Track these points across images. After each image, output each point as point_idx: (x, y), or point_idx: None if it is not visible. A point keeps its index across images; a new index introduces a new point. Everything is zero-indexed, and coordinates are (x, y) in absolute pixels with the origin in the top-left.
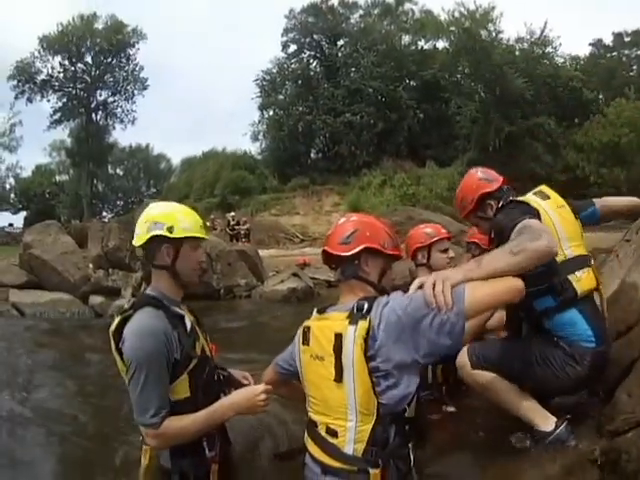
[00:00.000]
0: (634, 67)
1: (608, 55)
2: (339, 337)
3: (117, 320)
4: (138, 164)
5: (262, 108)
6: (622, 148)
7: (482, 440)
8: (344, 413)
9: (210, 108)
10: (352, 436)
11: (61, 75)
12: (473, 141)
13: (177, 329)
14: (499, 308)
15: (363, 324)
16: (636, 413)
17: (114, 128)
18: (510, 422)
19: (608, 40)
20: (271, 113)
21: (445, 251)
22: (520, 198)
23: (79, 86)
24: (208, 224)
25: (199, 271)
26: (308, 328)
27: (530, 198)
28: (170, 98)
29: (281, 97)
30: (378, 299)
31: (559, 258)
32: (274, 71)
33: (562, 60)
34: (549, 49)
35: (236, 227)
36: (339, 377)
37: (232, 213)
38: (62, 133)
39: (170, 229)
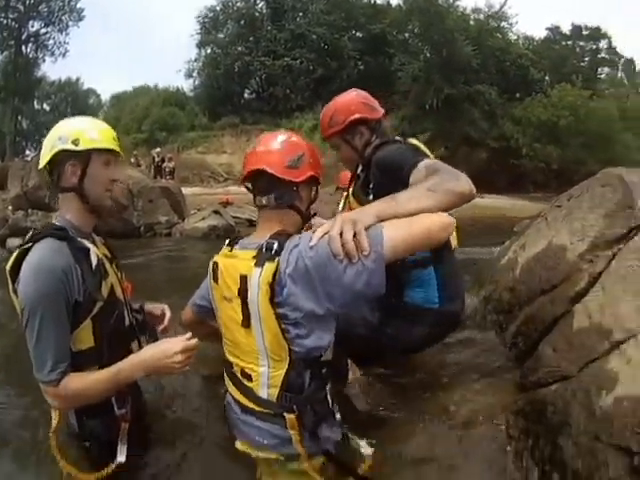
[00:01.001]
0: (586, 59)
1: (563, 43)
2: (244, 279)
3: (14, 255)
4: (66, 98)
5: (200, 45)
6: (559, 129)
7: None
8: (256, 358)
9: (147, 44)
10: (265, 381)
11: None
12: (411, 98)
13: (81, 265)
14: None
15: (270, 267)
16: (562, 367)
17: (44, 61)
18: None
19: (566, 29)
20: (209, 51)
21: None
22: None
23: (11, 16)
24: (132, 160)
25: (110, 191)
26: (216, 264)
27: (415, 142)
28: (105, 30)
29: (221, 36)
30: (291, 238)
31: None
32: (218, 9)
33: (515, 37)
34: (504, 24)
35: (160, 164)
36: (247, 322)
37: (157, 149)
38: None
39: (75, 142)
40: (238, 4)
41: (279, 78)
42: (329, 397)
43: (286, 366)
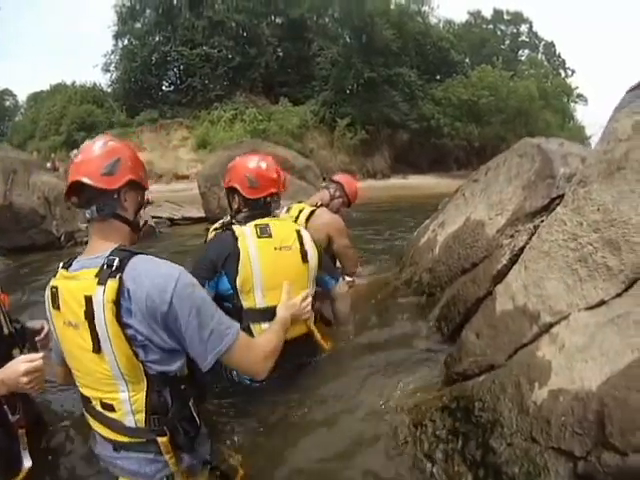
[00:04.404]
0: (507, 42)
1: (484, 26)
2: (90, 300)
3: None
4: None
5: (117, 37)
6: (480, 108)
7: None
8: (113, 385)
9: (64, 39)
10: (129, 408)
11: None
12: (331, 83)
13: None
14: None
15: (112, 284)
16: (487, 355)
17: None
18: None
19: (488, 14)
20: (126, 42)
21: None
22: (235, 227)
23: None
24: (48, 165)
25: None
26: (56, 289)
27: (242, 231)
28: (19, 27)
29: (138, 26)
30: (136, 257)
31: (248, 303)
32: None
33: (436, 21)
34: (425, 8)
35: None
36: (97, 347)
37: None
38: None
39: None
40: None
41: (197, 68)
42: (194, 413)
43: (145, 387)
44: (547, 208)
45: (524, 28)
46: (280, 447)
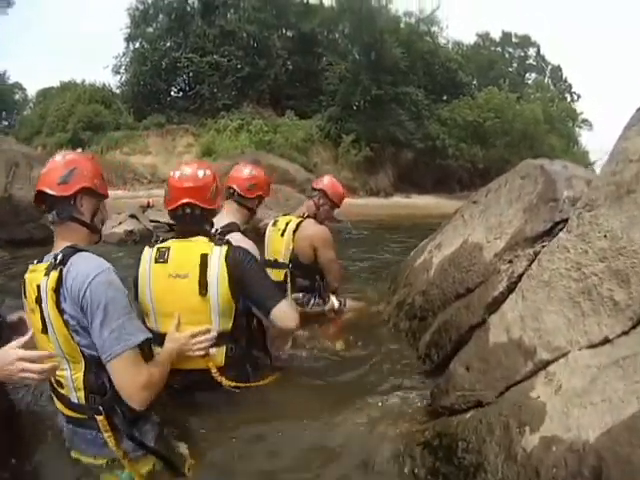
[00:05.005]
0: (514, 65)
1: (492, 49)
2: (39, 289)
3: None
4: None
5: (129, 40)
6: (485, 129)
7: None
8: (60, 363)
9: (77, 37)
10: (72, 385)
11: None
12: (338, 98)
13: None
14: None
15: (54, 275)
16: (476, 391)
17: None
18: None
19: (497, 36)
20: (137, 46)
21: None
22: (145, 249)
23: None
24: None
25: None
26: (24, 280)
27: (144, 254)
28: (34, 21)
29: (150, 30)
30: (78, 253)
31: (149, 325)
32: (149, 1)
33: (445, 42)
34: (435, 28)
35: None
36: (44, 329)
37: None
38: None
39: None
40: None
41: (206, 76)
42: None
43: (83, 368)
44: (549, 233)
45: (532, 51)
46: (240, 449)
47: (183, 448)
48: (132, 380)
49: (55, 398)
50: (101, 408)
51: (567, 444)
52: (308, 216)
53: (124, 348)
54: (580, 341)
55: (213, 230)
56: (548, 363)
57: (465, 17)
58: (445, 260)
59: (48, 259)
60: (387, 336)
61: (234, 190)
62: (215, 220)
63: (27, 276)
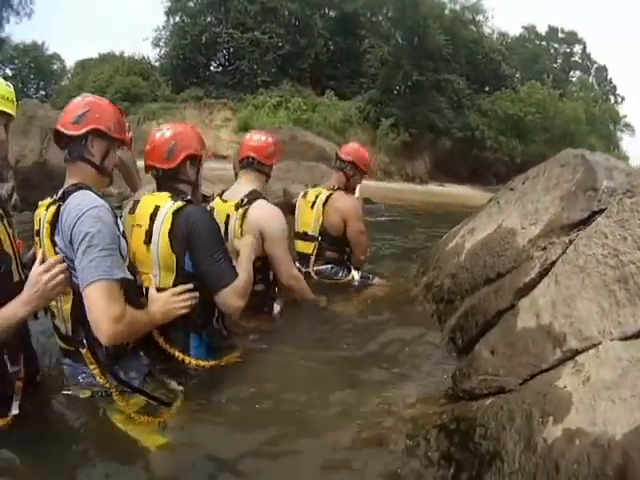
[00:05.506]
0: (559, 61)
1: (537, 42)
2: (40, 221)
3: None
4: (29, 64)
5: (169, 13)
6: (526, 124)
7: None
8: None
9: (116, 9)
10: (60, 315)
11: None
12: (378, 82)
13: None
14: None
15: (51, 209)
16: (500, 376)
17: (8, 21)
18: None
19: (542, 30)
20: (177, 20)
21: None
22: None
23: None
24: None
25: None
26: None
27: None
28: None
29: (191, 4)
30: (79, 190)
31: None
32: None
33: (489, 31)
34: (480, 17)
35: None
36: (42, 260)
37: None
38: None
39: None
40: None
41: (246, 52)
42: None
43: (71, 299)
44: (586, 222)
45: (577, 49)
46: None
47: (174, 384)
48: (103, 310)
49: (54, 331)
50: (84, 341)
51: (592, 438)
52: (339, 188)
53: (100, 277)
54: (613, 332)
55: (238, 198)
56: (577, 352)
57: (511, 8)
58: (477, 244)
59: (54, 195)
60: (412, 316)
61: (253, 159)
62: (233, 189)
63: (36, 212)
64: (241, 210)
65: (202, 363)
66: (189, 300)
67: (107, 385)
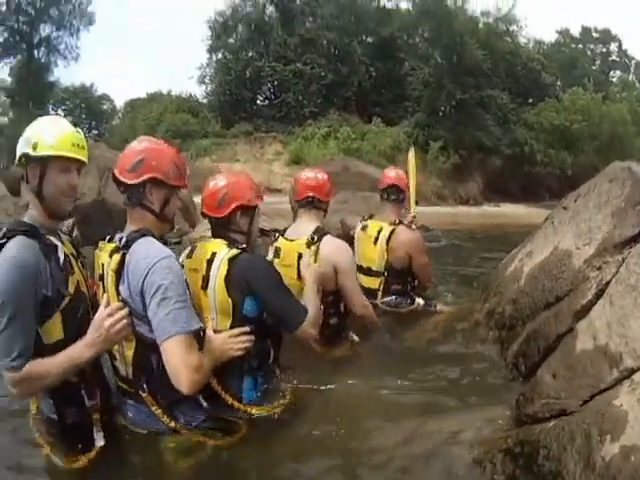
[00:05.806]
0: (597, 62)
1: (573, 46)
2: (103, 267)
3: None
4: (80, 105)
5: (211, 51)
6: (572, 133)
7: None
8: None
9: (159, 49)
10: (122, 359)
11: (3, 8)
12: (423, 104)
13: (50, 262)
14: None
15: (116, 257)
16: (561, 399)
17: (56, 65)
18: None
19: (576, 32)
20: (220, 56)
21: None
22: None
23: (22, 19)
24: None
25: (70, 197)
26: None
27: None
28: (117, 36)
29: (231, 41)
30: (143, 238)
31: None
32: (227, 13)
33: (525, 41)
34: (514, 27)
35: None
36: (107, 304)
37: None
38: (1, 71)
39: (34, 146)
40: (247, 8)
41: (290, 84)
42: None
43: (134, 347)
44: (637, 238)
45: (614, 47)
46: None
47: (239, 418)
48: (184, 361)
49: (112, 370)
50: (145, 386)
51: None
52: (400, 222)
53: (178, 331)
54: None
55: (307, 236)
56: (633, 371)
57: (543, 14)
58: (535, 268)
59: (116, 240)
60: (476, 343)
61: (313, 198)
62: (295, 228)
63: (97, 252)
64: (313, 247)
65: (254, 411)
66: (246, 342)
67: (172, 425)
